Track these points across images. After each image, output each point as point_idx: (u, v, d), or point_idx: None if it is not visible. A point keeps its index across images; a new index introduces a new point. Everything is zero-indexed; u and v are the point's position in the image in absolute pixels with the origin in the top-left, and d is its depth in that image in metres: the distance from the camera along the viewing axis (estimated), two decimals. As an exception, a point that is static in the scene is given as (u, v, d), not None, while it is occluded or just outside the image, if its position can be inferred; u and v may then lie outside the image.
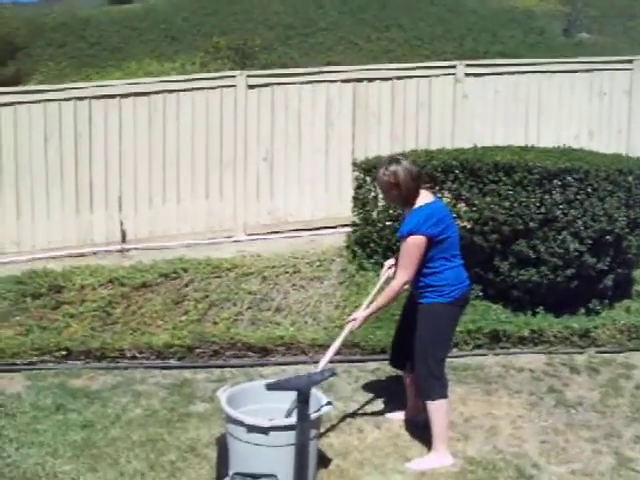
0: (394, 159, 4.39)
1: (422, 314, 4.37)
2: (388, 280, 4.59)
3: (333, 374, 4.16)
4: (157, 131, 8.44)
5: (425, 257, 4.23)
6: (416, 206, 4.28)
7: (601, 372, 5.74)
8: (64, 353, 5.89)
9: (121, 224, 8.30)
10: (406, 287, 4.37)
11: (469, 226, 6.37)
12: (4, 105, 8.11)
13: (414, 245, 4.20)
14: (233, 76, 8.80)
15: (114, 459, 4.29)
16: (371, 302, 4.51)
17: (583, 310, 6.52)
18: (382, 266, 4.94)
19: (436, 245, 4.23)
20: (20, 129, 8.13)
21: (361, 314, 4.45)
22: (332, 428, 4.68)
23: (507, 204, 6.33)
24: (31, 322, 6.40)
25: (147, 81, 9.12)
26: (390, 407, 5.01)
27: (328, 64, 15.03)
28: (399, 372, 4.92)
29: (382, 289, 4.54)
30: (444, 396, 4.35)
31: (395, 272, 4.45)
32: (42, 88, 8.96)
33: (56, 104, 8.20)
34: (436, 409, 4.31)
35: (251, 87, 8.64)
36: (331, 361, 5.49)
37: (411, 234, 4.20)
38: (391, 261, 4.78)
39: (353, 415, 4.91)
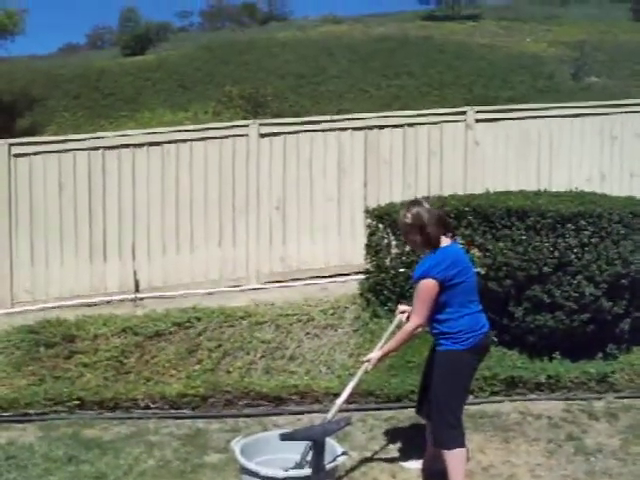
0: (416, 202, 4.42)
1: (438, 361, 4.34)
2: (400, 325, 4.58)
3: (348, 424, 4.14)
4: (170, 180, 8.50)
5: (438, 302, 4.21)
6: (434, 251, 4.28)
7: (620, 418, 5.65)
8: (77, 403, 5.86)
9: (134, 273, 8.31)
10: (421, 330, 4.34)
11: (483, 272, 6.33)
12: (19, 156, 8.22)
13: (425, 289, 4.19)
14: (245, 125, 8.88)
15: (127, 512, 4.24)
16: (384, 345, 4.49)
17: (600, 355, 6.45)
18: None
19: (449, 289, 4.21)
20: (35, 179, 8.22)
21: (375, 355, 4.43)
22: (348, 478, 4.61)
23: (521, 249, 6.31)
24: (44, 372, 6.39)
25: (160, 131, 9.22)
26: (406, 456, 4.94)
27: (339, 112, 15.18)
28: (421, 421, 4.84)
29: (394, 333, 4.53)
30: (461, 445, 4.28)
31: (409, 316, 4.43)
32: (56, 139, 9.06)
33: (70, 154, 8.30)
34: (453, 458, 4.24)
35: (263, 136, 8.71)
36: (346, 410, 5.47)
37: (422, 278, 4.20)
38: (404, 307, 4.76)
39: (368, 465, 4.84)
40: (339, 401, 4.30)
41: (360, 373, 4.43)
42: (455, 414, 4.30)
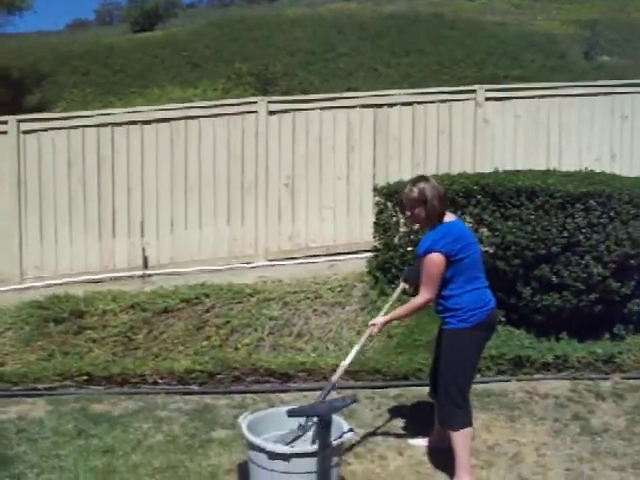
0: (421, 178, 4.43)
1: (444, 340, 4.35)
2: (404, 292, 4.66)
3: (355, 401, 4.15)
4: (179, 157, 8.51)
5: (444, 277, 4.21)
6: (434, 228, 4.29)
7: (627, 398, 5.65)
8: (86, 378, 5.90)
9: (143, 250, 8.35)
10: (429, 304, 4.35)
11: (491, 251, 6.33)
12: (28, 132, 8.24)
13: (432, 263, 4.18)
14: (254, 102, 8.86)
15: (135, 485, 4.28)
16: (389, 311, 4.52)
17: (607, 335, 6.45)
18: (404, 291, 4.91)
19: (454, 264, 4.20)
20: (44, 156, 8.23)
21: (380, 319, 4.45)
22: (354, 455, 4.64)
23: (529, 229, 6.29)
24: (53, 347, 6.45)
25: (169, 107, 9.21)
26: (412, 434, 4.96)
27: (348, 89, 15.09)
28: (428, 398, 4.85)
29: (400, 302, 4.61)
30: (468, 425, 4.29)
31: (416, 287, 4.42)
32: (65, 115, 9.07)
33: (79, 131, 8.31)
34: (459, 438, 4.25)
35: (272, 113, 8.69)
36: (352, 387, 5.50)
37: (428, 252, 4.19)
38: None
39: (375, 442, 4.87)
40: (344, 363, 4.33)
41: (365, 337, 4.45)
42: (462, 393, 4.31)
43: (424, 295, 4.25)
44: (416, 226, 4.84)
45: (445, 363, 4.32)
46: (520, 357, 6.07)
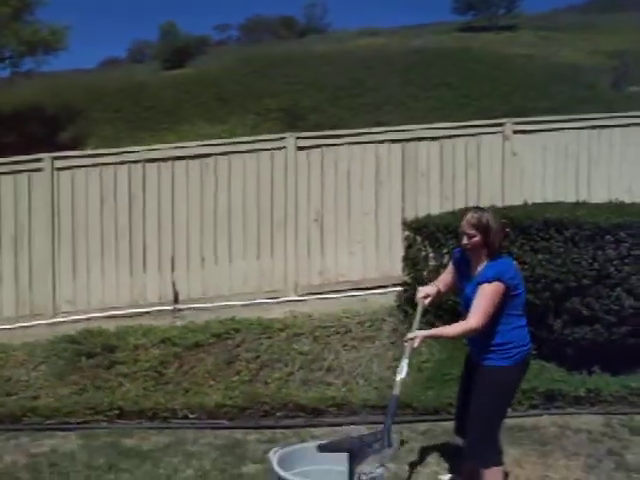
0: (481, 208, 4.45)
1: (482, 377, 4.26)
2: (423, 310, 4.54)
3: (402, 442, 4.08)
4: (209, 193, 8.61)
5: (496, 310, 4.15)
6: (497, 258, 4.25)
7: (661, 433, 5.57)
8: (117, 413, 5.95)
9: (173, 285, 8.43)
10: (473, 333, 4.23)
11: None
12: (62, 169, 8.40)
13: (495, 291, 4.10)
14: (283, 138, 8.96)
15: (166, 521, 4.29)
16: (419, 328, 4.37)
17: (641, 369, 6.37)
18: (432, 325, 4.88)
19: (510, 299, 4.16)
20: (77, 192, 8.39)
21: (421, 333, 4.29)
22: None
23: (559, 261, 6.26)
24: (85, 381, 6.50)
25: (199, 144, 9.33)
26: (443, 469, 4.93)
27: (377, 124, 15.19)
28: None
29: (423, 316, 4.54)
30: (500, 463, 4.25)
31: (468, 315, 4.20)
32: (98, 152, 9.24)
33: (112, 167, 8.46)
34: (492, 476, 4.21)
35: (301, 148, 8.78)
36: (383, 422, 5.46)
37: (494, 280, 4.10)
38: (426, 289, 4.63)
39: (405, 477, 4.84)
40: (401, 377, 4.14)
41: (409, 351, 4.22)
42: (497, 432, 4.28)
43: (475, 322, 4.11)
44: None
45: (483, 402, 4.23)
46: (552, 391, 6.00)
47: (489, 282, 4.11)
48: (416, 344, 4.24)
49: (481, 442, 4.24)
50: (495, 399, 4.25)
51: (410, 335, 4.27)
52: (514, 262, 4.51)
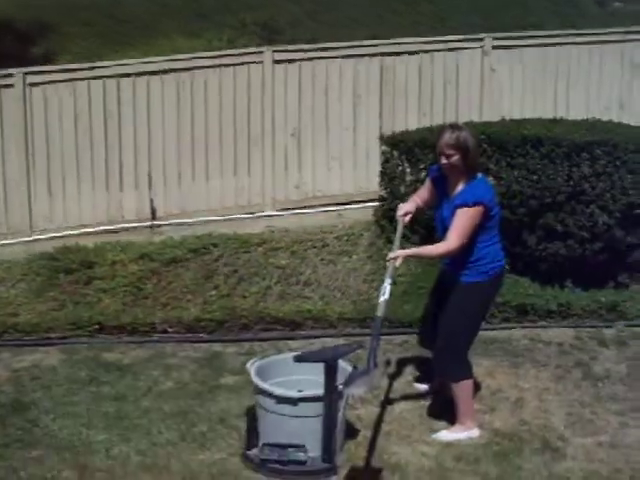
0: (458, 126, 4.38)
1: (457, 293, 4.31)
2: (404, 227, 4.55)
3: (360, 347, 4.22)
4: (185, 108, 8.47)
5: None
6: (474, 178, 4.25)
7: (630, 345, 5.74)
8: (97, 327, 6.01)
9: (151, 201, 8.38)
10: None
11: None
12: (35, 85, 8.20)
13: (474, 215, 4.12)
14: (260, 52, 8.79)
15: (146, 430, 4.40)
16: (400, 247, 4.38)
17: (612, 284, 6.50)
18: (408, 240, 4.91)
19: (488, 219, 4.19)
20: (50, 108, 8.22)
21: (402, 252, 4.28)
22: (360, 400, 4.73)
23: (535, 178, 6.31)
24: (64, 297, 6.52)
25: (174, 58, 9.10)
26: (417, 379, 5.07)
27: (356, 39, 14.93)
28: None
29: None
30: (469, 377, 4.36)
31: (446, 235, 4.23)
32: (70, 67, 8.99)
33: (85, 83, 8.27)
34: (461, 390, 4.32)
35: (278, 62, 8.62)
36: (359, 334, 5.58)
37: (475, 203, 4.11)
38: (406, 207, 4.58)
39: (381, 387, 4.95)
40: (384, 298, 4.09)
41: (391, 270, 4.22)
42: (466, 347, 4.35)
43: (454, 243, 4.13)
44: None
45: (456, 317, 4.29)
46: (524, 305, 6.14)
47: (469, 206, 4.11)
48: (397, 263, 4.23)
49: (450, 357, 4.31)
50: (469, 314, 4.33)
51: (392, 255, 4.27)
52: (490, 181, 4.52)
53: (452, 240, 4.16)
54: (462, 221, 4.14)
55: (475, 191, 4.17)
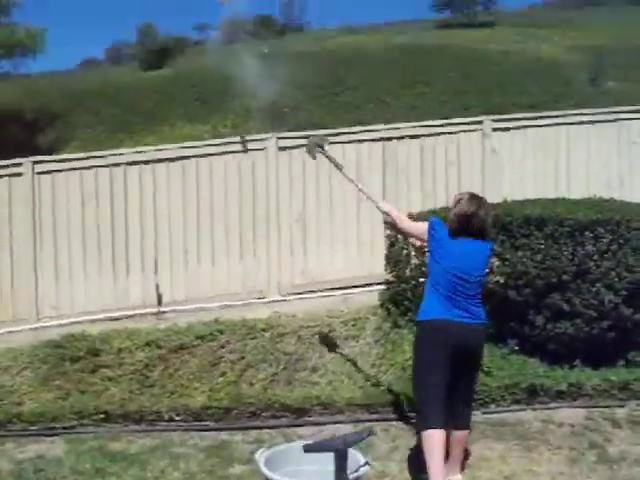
0: (476, 195, 4.80)
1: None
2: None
3: (370, 433, 4.17)
4: (191, 195, 8.61)
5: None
6: None
7: (643, 425, 5.65)
8: (103, 416, 5.96)
9: (157, 287, 8.42)
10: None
11: (502, 281, 6.36)
12: (43, 173, 8.37)
13: (422, 224, 4.90)
14: (265, 139, 8.95)
15: (154, 523, 4.31)
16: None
17: (622, 362, 6.44)
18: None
19: (431, 252, 4.74)
20: (58, 196, 8.36)
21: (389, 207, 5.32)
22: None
23: (539, 257, 6.33)
24: (70, 386, 6.49)
25: (180, 146, 9.28)
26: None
27: (357, 122, 15.19)
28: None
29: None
30: (428, 427, 4.39)
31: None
32: (78, 156, 9.16)
33: (92, 171, 8.44)
34: (423, 440, 4.38)
35: (282, 149, 8.79)
36: (368, 420, 5.51)
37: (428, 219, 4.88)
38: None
39: (392, 475, 4.88)
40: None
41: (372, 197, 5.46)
42: (425, 392, 4.45)
43: (400, 222, 5.14)
44: None
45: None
46: (534, 386, 6.07)
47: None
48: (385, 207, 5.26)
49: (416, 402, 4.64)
50: (415, 353, 4.69)
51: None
52: (471, 244, 4.65)
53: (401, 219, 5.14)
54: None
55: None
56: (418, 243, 5.59)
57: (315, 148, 5.93)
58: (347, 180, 5.70)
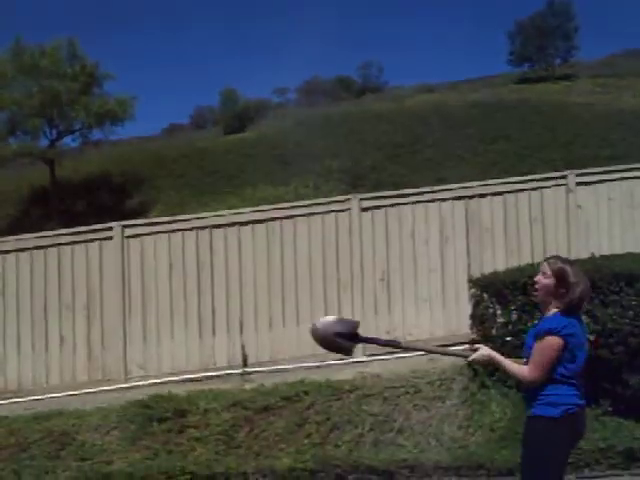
0: (565, 258, 4.12)
1: (527, 429, 3.97)
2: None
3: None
4: (275, 256, 8.73)
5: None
6: (564, 312, 3.91)
7: None
8: (189, 477, 6.01)
9: (242, 348, 8.51)
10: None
11: (592, 339, 6.19)
12: (132, 237, 8.64)
13: (552, 345, 3.81)
14: (347, 200, 9.04)
15: None
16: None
17: None
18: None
19: (564, 360, 3.84)
20: (146, 258, 8.60)
21: (489, 351, 3.99)
22: None
23: (631, 314, 6.15)
24: (157, 446, 6.57)
25: (263, 209, 9.46)
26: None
27: (437, 180, 15.25)
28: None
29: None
30: None
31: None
32: (166, 220, 9.43)
33: (179, 234, 8.67)
34: None
35: (364, 209, 8.85)
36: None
37: (549, 333, 3.81)
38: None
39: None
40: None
41: (461, 353, 4.05)
42: None
43: (533, 375, 3.83)
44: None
45: (525, 456, 3.95)
46: (632, 449, 5.85)
47: (541, 337, 3.84)
48: (471, 359, 4.02)
49: None
50: (533, 456, 3.92)
51: (478, 345, 4.06)
52: (581, 323, 4.06)
53: (531, 372, 3.87)
54: (540, 353, 3.85)
55: (550, 321, 3.88)
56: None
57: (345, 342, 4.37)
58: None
